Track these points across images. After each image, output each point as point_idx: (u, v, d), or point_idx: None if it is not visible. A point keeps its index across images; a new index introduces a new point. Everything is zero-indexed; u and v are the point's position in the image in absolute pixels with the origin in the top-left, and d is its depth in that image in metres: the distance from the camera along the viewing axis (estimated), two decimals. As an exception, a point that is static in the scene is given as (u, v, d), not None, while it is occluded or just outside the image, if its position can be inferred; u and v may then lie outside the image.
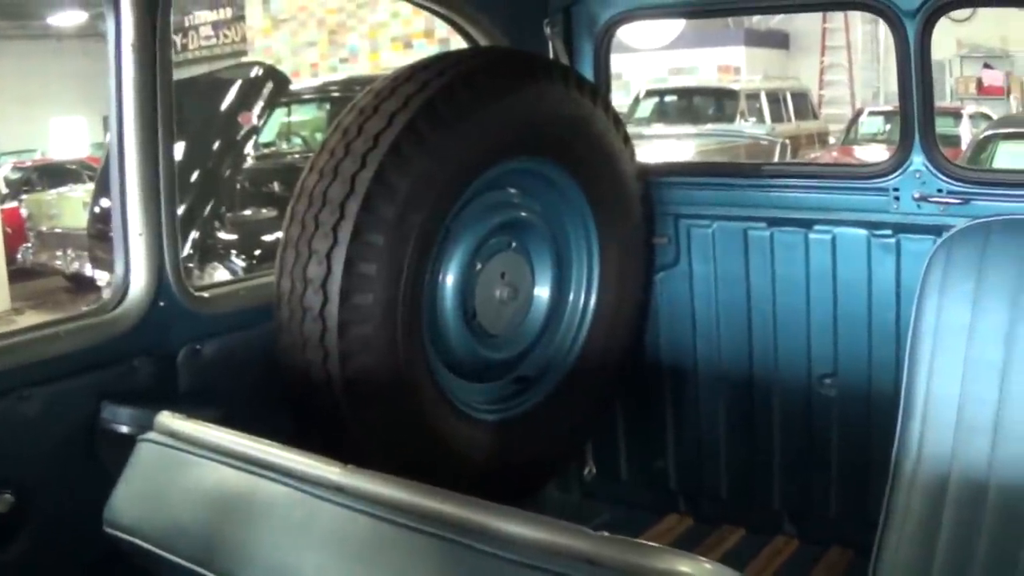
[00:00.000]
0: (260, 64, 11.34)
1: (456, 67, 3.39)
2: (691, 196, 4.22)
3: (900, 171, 3.78)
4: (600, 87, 4.22)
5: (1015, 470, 2.61)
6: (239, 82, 10.16)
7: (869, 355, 3.89)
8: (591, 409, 4.13)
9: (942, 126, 18.24)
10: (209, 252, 9.91)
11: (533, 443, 3.82)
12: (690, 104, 21.37)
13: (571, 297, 4.00)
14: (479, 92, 3.36)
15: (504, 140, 3.51)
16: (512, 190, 3.79)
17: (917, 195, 3.74)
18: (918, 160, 3.74)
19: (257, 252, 9.95)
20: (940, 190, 3.70)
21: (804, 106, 22.48)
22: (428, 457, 3.31)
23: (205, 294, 3.38)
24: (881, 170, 3.87)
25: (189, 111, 9.19)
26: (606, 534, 1.76)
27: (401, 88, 3.29)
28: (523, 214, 3.82)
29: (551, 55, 4.28)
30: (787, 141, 17.98)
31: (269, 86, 10.23)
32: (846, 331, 3.98)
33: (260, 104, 10.08)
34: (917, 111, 3.71)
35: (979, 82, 28.28)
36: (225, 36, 31.33)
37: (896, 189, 3.79)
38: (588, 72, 4.34)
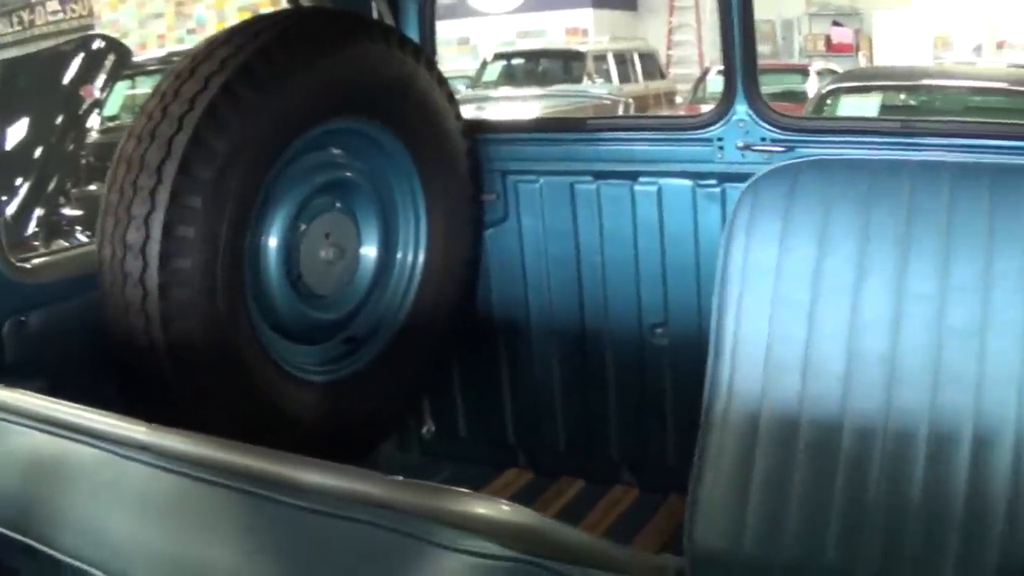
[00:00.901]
0: (101, 36, 11.11)
1: (272, 28, 3.40)
2: (518, 152, 4.28)
3: (723, 121, 3.87)
4: (424, 46, 4.24)
5: (824, 406, 2.70)
6: (80, 55, 9.94)
7: (698, 303, 3.98)
8: (424, 367, 4.18)
9: (790, 83, 18.65)
10: (55, 228, 9.73)
11: (365, 403, 3.86)
12: (537, 67, 21.46)
13: (399, 256, 4.03)
14: (296, 52, 3.37)
15: (324, 100, 3.53)
16: (335, 150, 3.81)
17: (741, 144, 3.84)
18: (741, 109, 3.83)
19: (103, 226, 9.76)
20: (764, 138, 3.80)
21: (652, 66, 22.71)
22: (257, 420, 3.33)
23: (28, 265, 3.35)
24: (705, 121, 3.95)
25: (29, 86, 9.02)
26: (400, 478, 1.80)
27: (218, 51, 3.29)
28: (347, 174, 3.84)
29: (375, 15, 4.30)
30: (631, 100, 18.16)
31: (111, 58, 10.02)
32: (675, 281, 4.07)
33: (102, 77, 9.88)
34: (739, 61, 3.80)
35: (828, 40, 28.83)
36: (72, 10, 30.54)
37: (720, 139, 3.88)
38: (413, 32, 4.37)
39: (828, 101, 10.74)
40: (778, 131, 3.79)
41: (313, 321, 3.76)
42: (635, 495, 4.46)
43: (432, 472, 4.49)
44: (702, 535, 2.72)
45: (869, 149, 3.62)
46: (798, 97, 15.89)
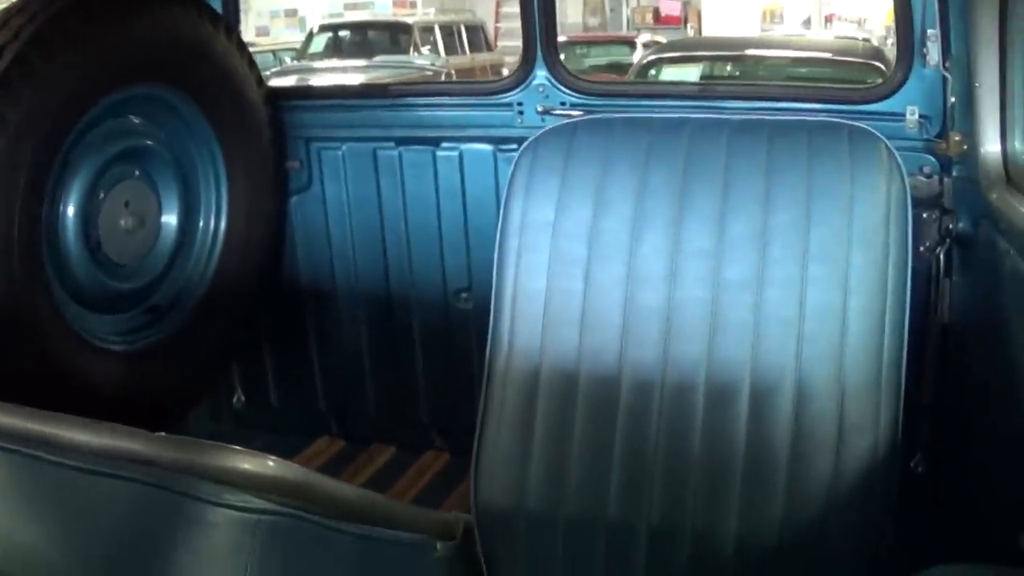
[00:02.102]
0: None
1: None
2: (321, 119, 4.32)
3: (523, 86, 3.98)
4: (226, 13, 4.24)
5: (603, 360, 2.77)
6: None
7: None
8: (229, 336, 4.22)
9: (617, 55, 18.94)
10: None
11: (170, 372, 3.89)
12: (365, 38, 21.44)
13: (200, 224, 4.06)
14: (90, 19, 3.39)
15: (120, 67, 3.55)
16: (134, 118, 3.82)
17: (540, 109, 3.95)
18: (541, 75, 3.94)
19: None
20: (563, 103, 3.92)
21: (478, 39, 22.82)
22: (56, 391, 3.34)
23: None
24: (505, 86, 4.06)
25: None
26: (163, 435, 1.83)
27: (12, 20, 3.29)
28: (146, 142, 3.86)
29: None
30: (453, 71, 18.31)
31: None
32: (477, 245, 4.16)
33: None
34: (538, 27, 3.91)
35: (656, 12, 29.25)
36: None
37: (520, 104, 4.00)
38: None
39: (651, 71, 10.88)
40: (577, 95, 3.91)
41: (114, 290, 3.77)
42: (446, 459, 4.55)
43: (243, 442, 4.48)
44: (487, 489, 2.78)
45: (669, 113, 3.72)
46: (624, 69, 16.08)
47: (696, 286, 2.78)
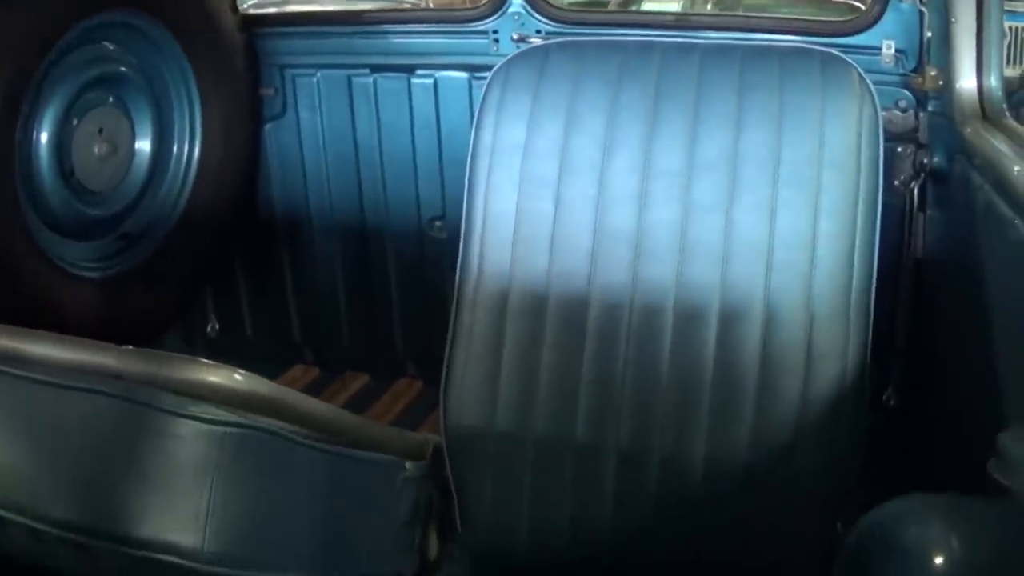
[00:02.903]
0: None
1: None
2: (296, 46, 4.33)
3: (499, 13, 3.99)
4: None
5: (572, 282, 2.78)
6: None
7: None
8: (202, 263, 4.26)
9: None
10: None
11: (142, 298, 3.94)
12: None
13: (174, 151, 4.07)
14: None
15: None
16: (107, 44, 3.81)
17: (516, 36, 3.96)
18: (516, 2, 3.95)
19: None
20: (538, 31, 3.93)
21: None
22: (30, 317, 3.35)
23: None
24: (481, 13, 4.05)
25: None
26: (130, 348, 1.84)
27: None
28: (120, 68, 3.86)
29: None
30: (431, 1, 18.15)
31: None
32: (451, 173, 4.18)
33: None
34: None
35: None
36: None
37: (495, 31, 4.01)
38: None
39: (632, 3, 10.81)
40: (552, 23, 3.92)
41: (87, 217, 3.80)
42: (419, 387, 4.60)
43: None
44: (456, 412, 2.81)
45: None
46: (605, 3, 15.94)
47: (666, 207, 2.78)
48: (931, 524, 1.77)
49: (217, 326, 4.77)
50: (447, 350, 2.86)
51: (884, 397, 3.66)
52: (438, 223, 4.30)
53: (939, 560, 1.69)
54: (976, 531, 1.75)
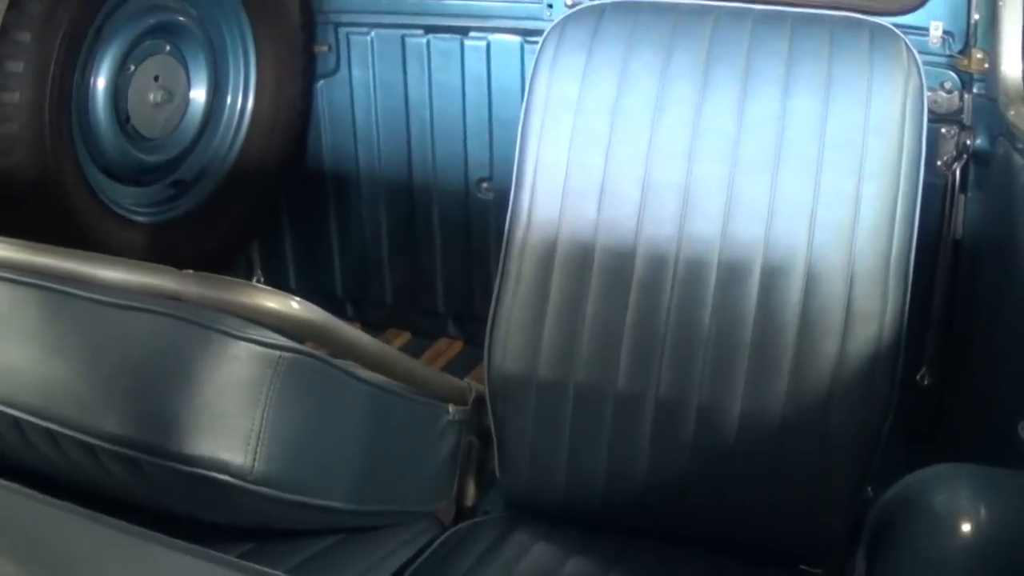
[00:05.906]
0: None
1: None
2: (351, 4, 4.40)
3: None
4: None
5: (619, 233, 2.82)
6: None
7: None
8: (250, 214, 4.38)
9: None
10: None
11: (189, 245, 4.05)
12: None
13: (228, 102, 4.19)
14: None
15: None
16: (167, -8, 3.92)
17: (570, 3, 4.00)
18: None
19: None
20: None
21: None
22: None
23: None
24: None
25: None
26: (191, 272, 1.95)
27: None
28: (179, 18, 3.96)
29: None
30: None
31: None
32: (501, 136, 4.25)
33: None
34: None
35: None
36: None
37: None
38: None
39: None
40: None
41: (140, 163, 3.91)
42: (459, 347, 4.69)
43: None
44: (499, 357, 2.86)
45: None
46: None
47: (714, 162, 2.82)
48: (960, 491, 1.85)
49: (263, 278, 4.85)
50: (494, 296, 2.91)
51: (918, 376, 3.70)
52: (485, 184, 4.38)
53: (967, 527, 1.78)
54: (1004, 500, 1.82)
